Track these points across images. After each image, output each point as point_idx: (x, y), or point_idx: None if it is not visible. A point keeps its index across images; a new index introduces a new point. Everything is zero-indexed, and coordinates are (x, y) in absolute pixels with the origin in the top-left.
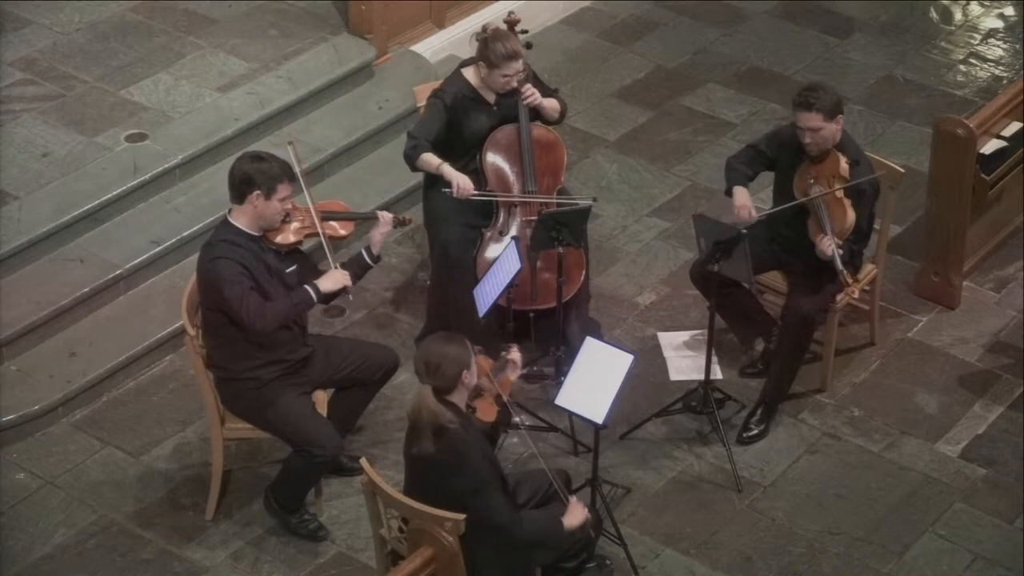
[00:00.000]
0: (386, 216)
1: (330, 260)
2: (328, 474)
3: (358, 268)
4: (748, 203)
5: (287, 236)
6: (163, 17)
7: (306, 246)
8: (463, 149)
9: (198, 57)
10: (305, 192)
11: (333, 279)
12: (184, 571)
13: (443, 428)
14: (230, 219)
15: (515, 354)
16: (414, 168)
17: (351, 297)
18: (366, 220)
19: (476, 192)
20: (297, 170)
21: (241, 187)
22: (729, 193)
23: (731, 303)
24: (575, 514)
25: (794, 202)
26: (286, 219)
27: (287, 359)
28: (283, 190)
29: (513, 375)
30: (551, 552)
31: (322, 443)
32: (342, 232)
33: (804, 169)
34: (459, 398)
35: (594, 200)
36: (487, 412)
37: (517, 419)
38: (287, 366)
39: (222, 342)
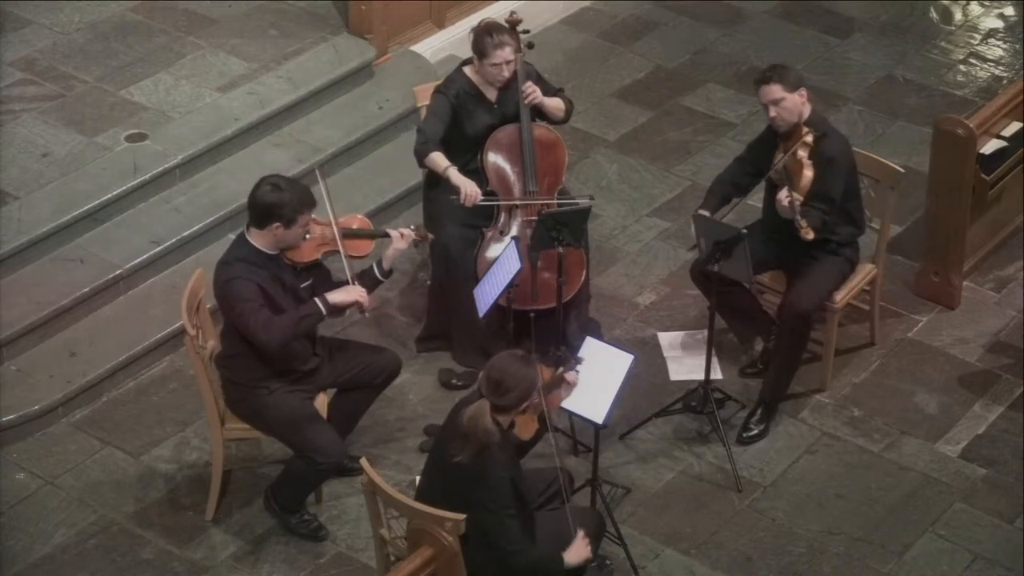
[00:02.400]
0: (406, 233)
1: (348, 277)
2: None
3: (369, 282)
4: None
5: (306, 254)
6: (163, 17)
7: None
8: (464, 147)
9: (198, 57)
10: (329, 209)
11: (346, 292)
12: (184, 571)
13: (487, 447)
14: (248, 237)
15: (572, 375)
16: (422, 165)
17: (367, 314)
18: (385, 238)
19: (484, 198)
20: (325, 194)
21: (262, 217)
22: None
23: (731, 303)
24: (578, 551)
25: (762, 179)
26: (305, 236)
27: (298, 370)
28: (304, 220)
29: (565, 395)
30: None
31: (326, 450)
32: (355, 254)
33: (776, 152)
34: (506, 419)
35: (591, 198)
36: (526, 429)
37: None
38: (296, 376)
39: (238, 352)
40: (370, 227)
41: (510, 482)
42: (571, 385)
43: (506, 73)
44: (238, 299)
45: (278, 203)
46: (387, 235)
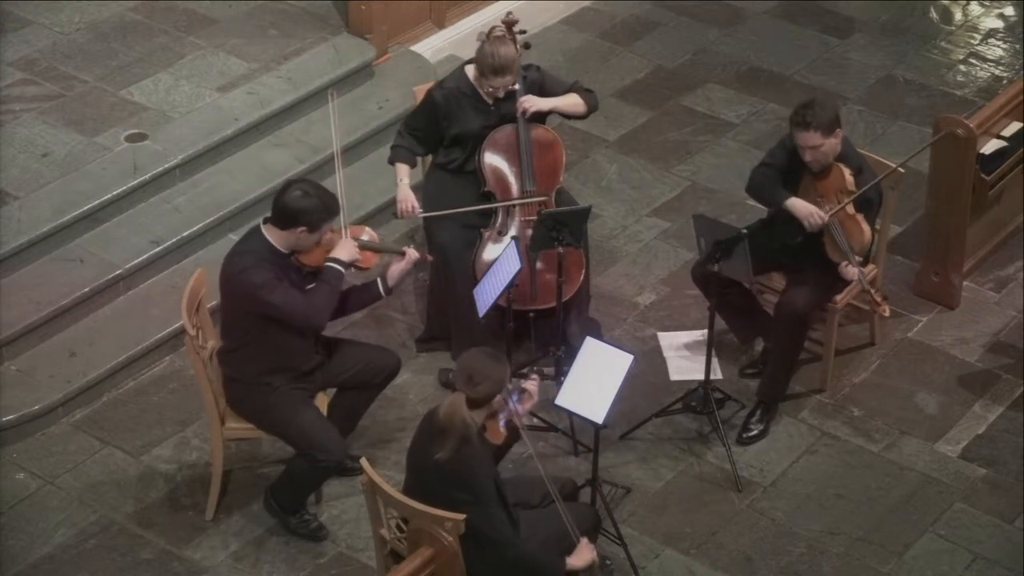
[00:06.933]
0: (412, 255)
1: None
2: None
3: (367, 296)
4: (812, 207)
5: (315, 259)
6: (163, 17)
7: None
8: (462, 147)
9: (198, 57)
10: (342, 216)
11: (346, 249)
12: (184, 571)
13: (468, 439)
14: (264, 232)
15: (531, 385)
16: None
17: (356, 270)
18: (393, 254)
19: (422, 211)
20: (333, 123)
21: (288, 220)
22: (778, 207)
23: (731, 303)
24: (582, 555)
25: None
26: (320, 241)
27: (300, 368)
28: (327, 228)
29: (527, 405)
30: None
31: (328, 448)
32: (362, 265)
33: (808, 185)
34: (479, 416)
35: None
36: (495, 434)
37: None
38: (298, 374)
39: (240, 346)
40: (379, 241)
41: (487, 472)
42: (533, 396)
43: (500, 95)
44: (261, 286)
45: (307, 209)
46: (401, 253)
